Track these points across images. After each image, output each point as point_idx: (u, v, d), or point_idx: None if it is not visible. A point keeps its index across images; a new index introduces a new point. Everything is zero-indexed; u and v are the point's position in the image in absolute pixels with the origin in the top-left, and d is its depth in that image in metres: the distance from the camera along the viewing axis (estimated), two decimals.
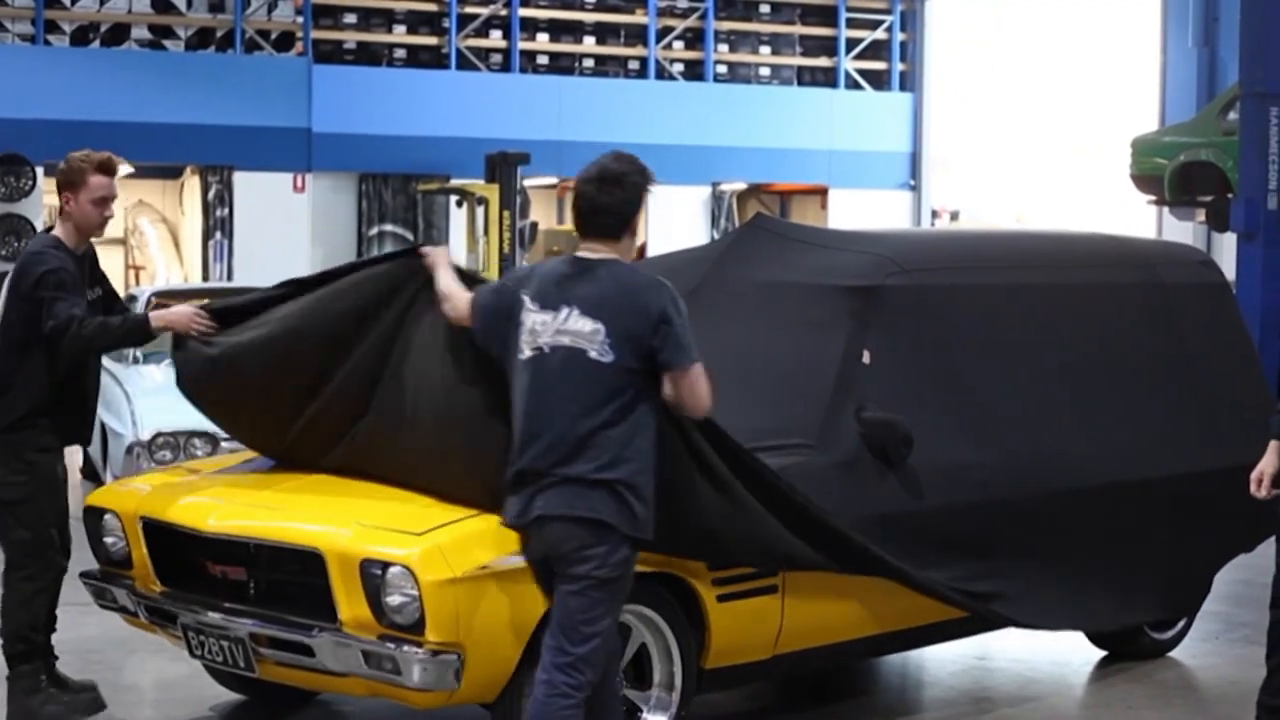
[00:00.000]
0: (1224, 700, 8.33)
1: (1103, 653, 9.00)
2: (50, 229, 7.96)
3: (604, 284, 5.98)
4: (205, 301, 7.70)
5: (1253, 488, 7.15)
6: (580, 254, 6.11)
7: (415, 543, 6.29)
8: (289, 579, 6.78)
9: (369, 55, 27.06)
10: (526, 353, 6.03)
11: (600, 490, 5.89)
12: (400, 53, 27.29)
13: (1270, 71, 16.14)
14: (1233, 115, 18.49)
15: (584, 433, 5.89)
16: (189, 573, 7.16)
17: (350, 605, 6.40)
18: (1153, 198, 21.48)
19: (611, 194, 6.12)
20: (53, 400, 7.66)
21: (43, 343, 7.49)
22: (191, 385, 7.47)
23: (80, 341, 7.44)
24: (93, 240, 7.85)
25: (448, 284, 6.67)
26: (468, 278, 6.81)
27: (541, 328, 6.01)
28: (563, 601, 5.97)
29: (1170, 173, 20.34)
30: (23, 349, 7.58)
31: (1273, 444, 7.17)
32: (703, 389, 6.03)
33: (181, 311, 7.45)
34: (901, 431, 7.32)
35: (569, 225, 28.04)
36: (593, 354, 5.91)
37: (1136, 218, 23.69)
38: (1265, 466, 7.14)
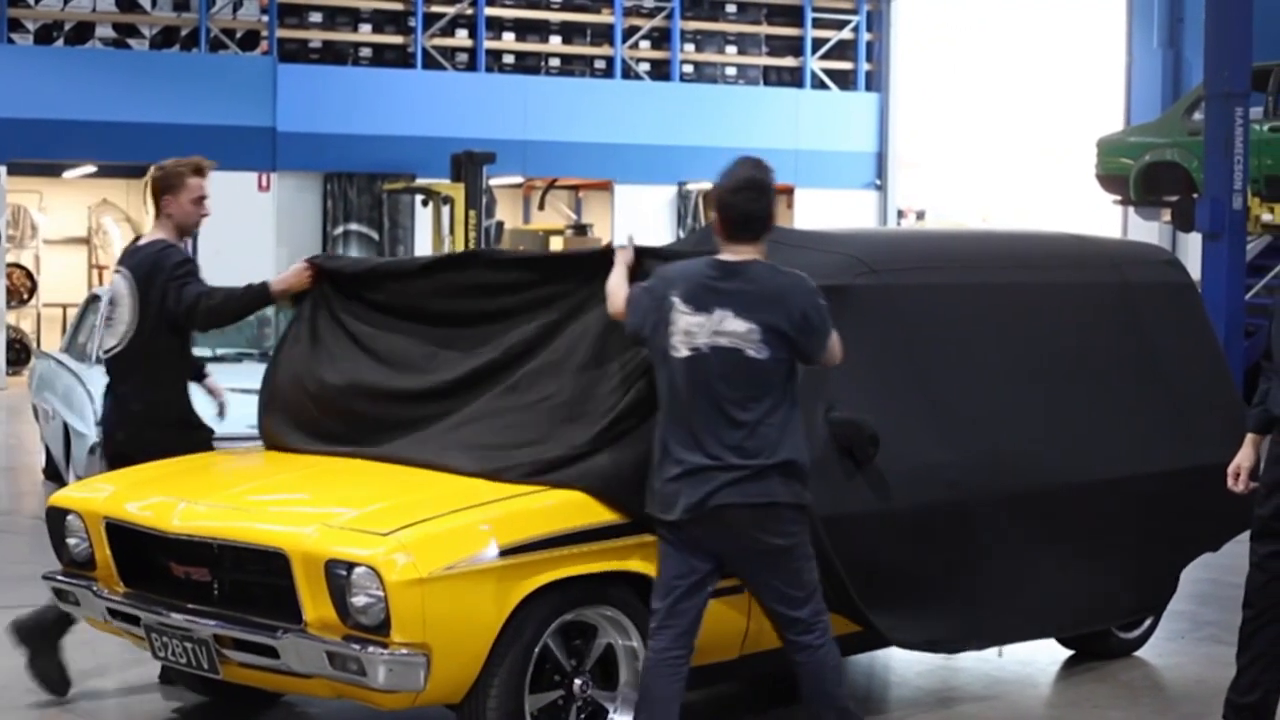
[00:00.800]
0: (1190, 699, 8.34)
1: (1069, 652, 9.01)
2: (137, 238, 8.41)
3: (752, 286, 6.44)
4: (313, 256, 8.36)
5: (1230, 481, 7.17)
6: (724, 258, 6.52)
7: (380, 543, 6.25)
8: (253, 579, 6.74)
9: (334, 54, 27.02)
10: (683, 352, 6.44)
11: (771, 474, 6.40)
12: (366, 52, 27.26)
13: (1235, 72, 16.19)
14: (1198, 115, 18.52)
15: (750, 425, 6.39)
16: (153, 573, 7.12)
17: (315, 606, 6.37)
18: (1118, 198, 21.51)
19: (759, 201, 6.58)
20: (185, 389, 8.30)
21: (176, 335, 8.13)
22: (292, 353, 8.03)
23: (212, 314, 8.10)
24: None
25: (615, 281, 6.97)
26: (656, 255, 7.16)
27: (697, 329, 6.43)
28: (767, 585, 6.58)
29: (1136, 173, 20.37)
30: (166, 348, 8.16)
31: (1249, 438, 7.18)
32: (836, 352, 6.71)
33: (294, 270, 8.12)
34: (868, 431, 7.31)
35: (535, 224, 28.03)
36: (750, 353, 6.38)
37: (1102, 217, 23.75)
38: (1242, 460, 7.16)
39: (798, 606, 6.57)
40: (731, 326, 6.39)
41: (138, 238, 8.53)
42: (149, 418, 8.11)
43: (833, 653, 6.68)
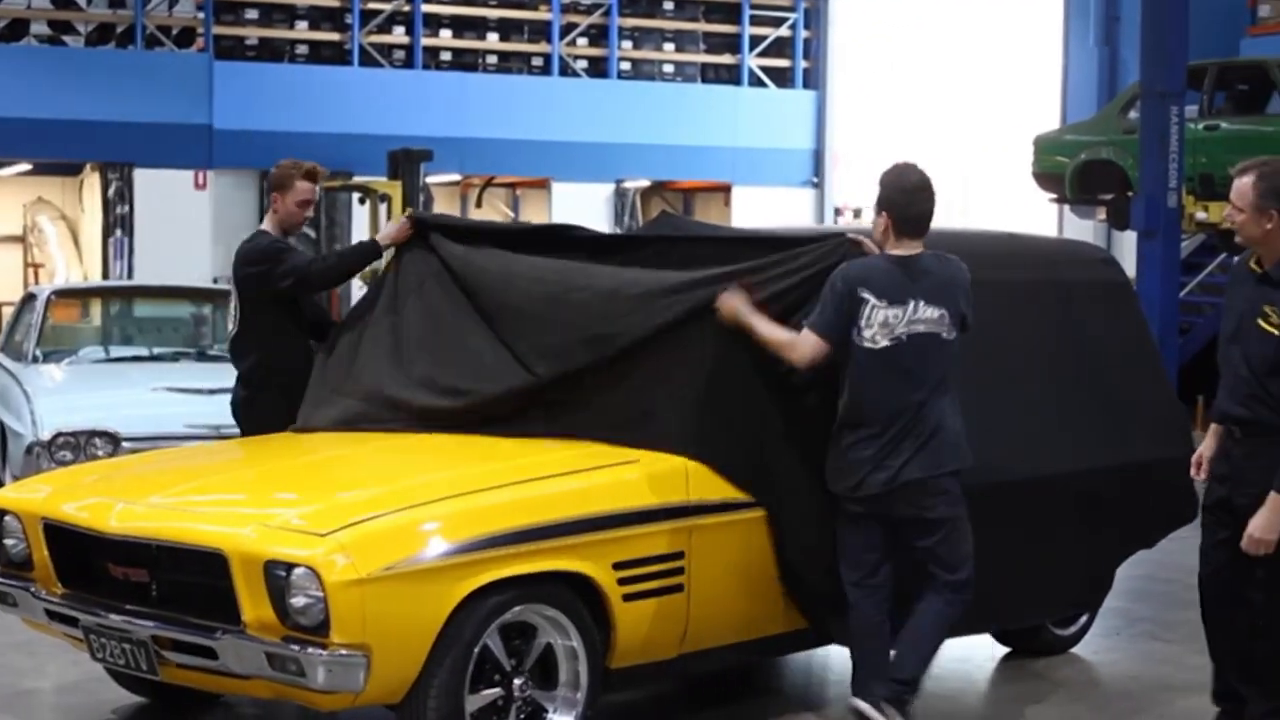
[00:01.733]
0: (1125, 695, 8.40)
1: (1006, 649, 9.06)
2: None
3: (931, 276, 7.16)
4: (409, 212, 9.04)
5: (1193, 470, 7.29)
6: (898, 253, 7.16)
7: (320, 543, 6.24)
8: (192, 580, 6.70)
9: (271, 51, 26.91)
10: (882, 343, 7.06)
11: (943, 444, 7.13)
12: (302, 49, 27.15)
13: (1170, 70, 16.29)
14: (1133, 114, 18.63)
15: (936, 400, 7.11)
16: (91, 574, 7.08)
17: (254, 606, 6.35)
18: (1054, 196, 21.60)
19: (933, 201, 7.23)
20: (302, 358, 8.73)
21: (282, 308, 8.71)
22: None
23: (327, 273, 8.89)
24: None
25: (772, 333, 7.25)
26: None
27: (895, 320, 7.06)
28: (934, 549, 7.17)
29: (1071, 171, 20.46)
30: (274, 323, 8.76)
31: (1213, 428, 7.25)
32: None
33: (398, 224, 8.65)
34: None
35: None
36: (943, 335, 7.15)
37: (1038, 215, 23.82)
38: (1204, 450, 7.26)
39: (956, 569, 7.20)
40: (925, 314, 7.08)
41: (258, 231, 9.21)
42: (262, 382, 8.70)
43: (955, 619, 7.29)
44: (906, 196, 7.15)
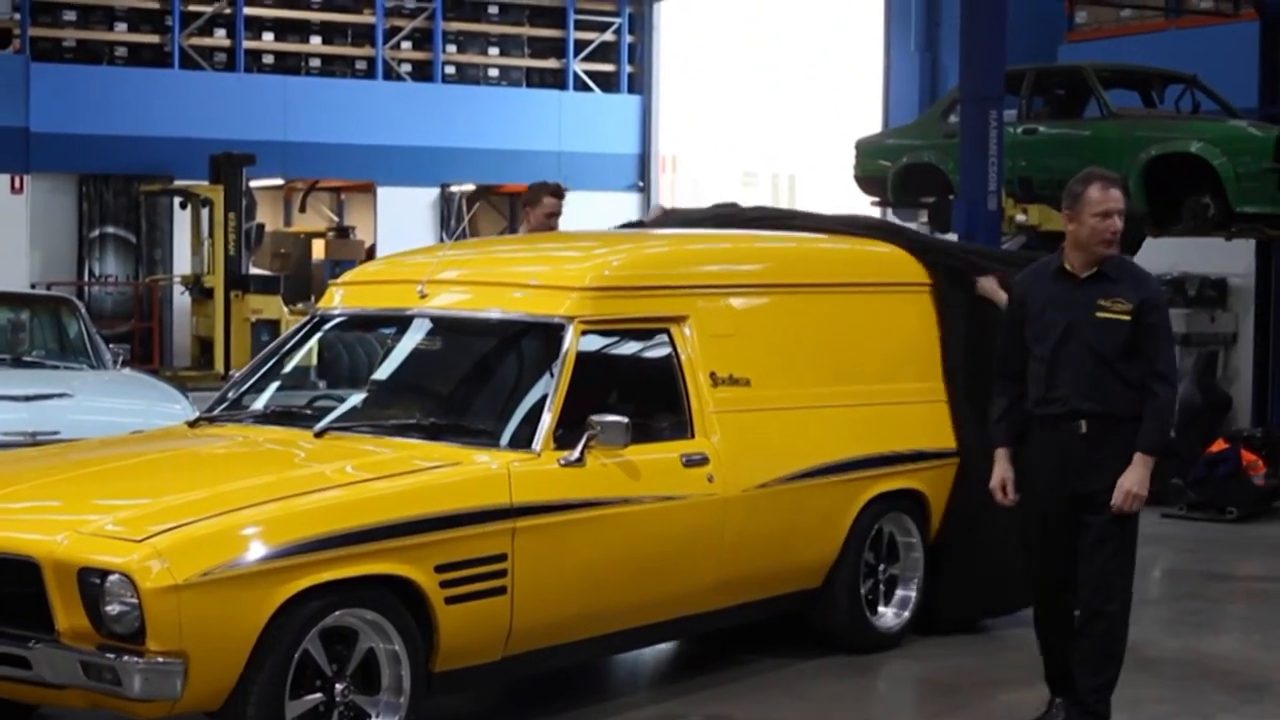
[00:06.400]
0: (950, 690, 8.46)
1: (829, 648, 9.09)
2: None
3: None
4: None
5: (997, 496, 7.33)
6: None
7: (134, 549, 6.15)
8: (4, 589, 6.55)
9: (89, 53, 26.55)
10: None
11: None
12: (122, 51, 26.82)
13: (989, 76, 16.42)
14: (954, 118, 18.78)
15: None
16: None
17: (68, 615, 6.25)
18: (877, 199, 21.74)
19: None
20: None
21: None
22: None
23: None
24: None
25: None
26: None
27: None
28: None
29: (893, 174, 20.58)
30: None
31: (1000, 452, 7.36)
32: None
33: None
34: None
35: (297, 227, 27.72)
36: None
37: None
38: (1004, 474, 7.33)
39: None
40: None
41: None
42: None
43: None
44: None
